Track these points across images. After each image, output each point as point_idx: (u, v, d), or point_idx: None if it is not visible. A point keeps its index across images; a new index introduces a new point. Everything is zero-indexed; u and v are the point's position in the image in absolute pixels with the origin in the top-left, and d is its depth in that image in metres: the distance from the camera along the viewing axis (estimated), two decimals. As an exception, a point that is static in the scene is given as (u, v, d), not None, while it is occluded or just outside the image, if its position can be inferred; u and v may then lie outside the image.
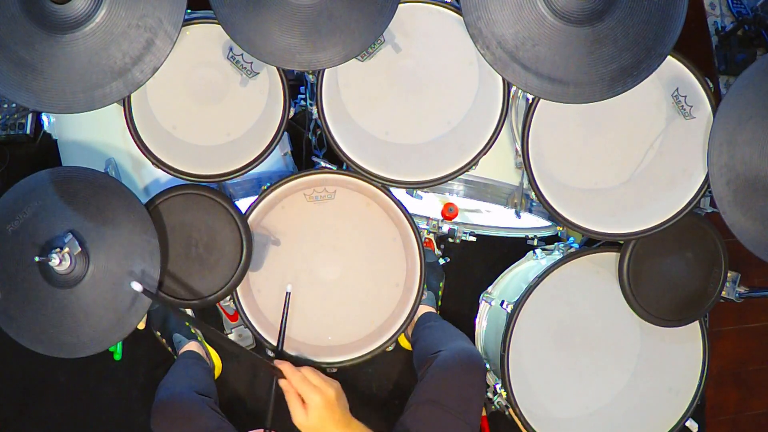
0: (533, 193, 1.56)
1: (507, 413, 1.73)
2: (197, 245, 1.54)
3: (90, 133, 1.62)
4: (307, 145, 1.82)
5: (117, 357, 2.01)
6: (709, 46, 2.27)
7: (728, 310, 2.19)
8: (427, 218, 1.88)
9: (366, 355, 1.64)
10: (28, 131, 2.07)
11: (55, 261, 1.31)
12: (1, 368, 2.03)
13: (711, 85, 1.52)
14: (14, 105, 2.07)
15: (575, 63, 1.38)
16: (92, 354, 1.39)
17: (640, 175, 1.62)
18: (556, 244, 1.81)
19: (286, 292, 1.49)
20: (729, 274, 1.66)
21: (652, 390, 1.69)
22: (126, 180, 1.61)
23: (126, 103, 1.45)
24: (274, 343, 1.61)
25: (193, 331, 2.00)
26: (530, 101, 1.49)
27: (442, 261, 2.11)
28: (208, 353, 2.00)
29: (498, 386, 1.70)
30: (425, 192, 1.67)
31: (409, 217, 1.61)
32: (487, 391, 1.86)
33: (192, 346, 1.95)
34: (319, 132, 1.62)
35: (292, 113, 1.54)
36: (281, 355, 1.49)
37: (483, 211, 1.94)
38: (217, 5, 1.36)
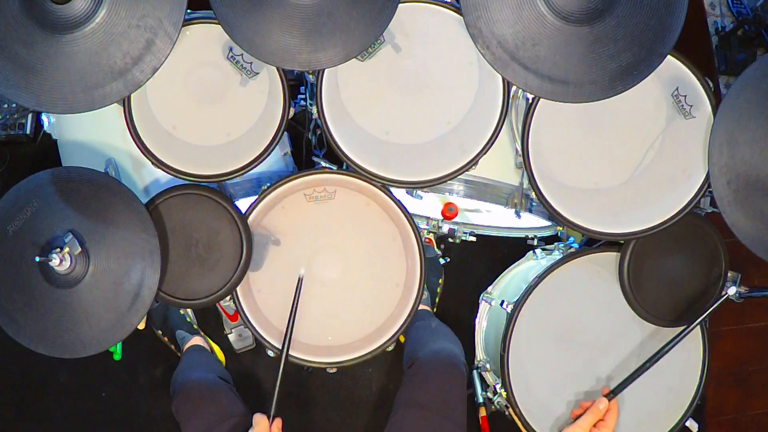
0: (533, 193, 1.56)
1: (507, 413, 1.73)
2: (197, 245, 1.54)
3: (90, 133, 1.62)
4: (307, 145, 1.82)
5: (117, 357, 2.01)
6: (709, 46, 2.27)
7: (728, 310, 2.18)
8: (427, 218, 1.88)
9: (366, 355, 1.64)
10: (28, 131, 2.08)
11: (55, 261, 1.31)
12: (1, 368, 2.03)
13: (711, 85, 1.52)
14: (14, 105, 2.07)
15: (575, 63, 1.38)
16: (92, 354, 1.39)
17: (640, 175, 1.62)
18: (556, 244, 1.81)
19: (299, 278, 1.49)
20: (729, 274, 1.66)
21: (652, 390, 1.69)
22: (126, 180, 1.61)
23: (126, 103, 1.45)
24: (274, 343, 1.62)
25: (195, 327, 2.01)
26: (530, 101, 1.49)
27: (442, 261, 2.11)
28: (212, 348, 2.01)
29: (498, 386, 1.70)
30: (425, 192, 1.67)
31: (409, 216, 1.61)
32: (486, 391, 1.86)
33: (197, 340, 1.96)
34: (319, 132, 1.62)
35: (292, 113, 1.54)
36: (289, 345, 1.50)
37: (483, 211, 1.94)
38: (217, 5, 1.36)
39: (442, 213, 1.80)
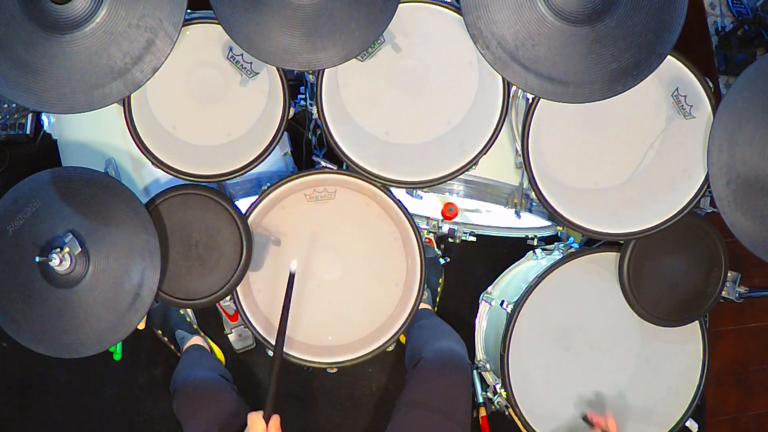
0: (533, 193, 1.56)
1: (507, 413, 1.73)
2: (197, 245, 1.54)
3: (90, 133, 1.62)
4: (307, 145, 1.82)
5: (117, 357, 2.01)
6: (709, 46, 2.26)
7: (728, 310, 2.19)
8: (427, 218, 1.88)
9: (366, 355, 1.64)
10: (28, 131, 2.07)
11: (55, 261, 1.31)
12: (1, 368, 2.03)
13: (711, 85, 1.52)
14: (14, 105, 2.07)
15: (575, 63, 1.38)
16: (92, 354, 1.39)
17: (640, 175, 1.62)
18: (556, 244, 1.81)
19: (290, 273, 1.39)
20: (729, 274, 1.66)
21: (652, 390, 1.69)
22: (126, 180, 1.61)
23: (126, 103, 1.45)
24: (274, 343, 1.61)
25: (195, 327, 2.01)
26: (530, 101, 1.49)
27: (442, 261, 2.11)
28: (211, 348, 2.01)
29: (498, 386, 1.70)
30: (425, 192, 1.67)
31: (409, 217, 1.61)
32: (486, 391, 1.86)
33: (196, 340, 1.96)
34: (319, 132, 1.62)
35: (292, 113, 1.54)
36: (282, 341, 1.41)
37: (483, 211, 1.94)
38: (217, 5, 1.36)
39: (442, 213, 1.80)
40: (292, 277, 1.41)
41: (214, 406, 1.61)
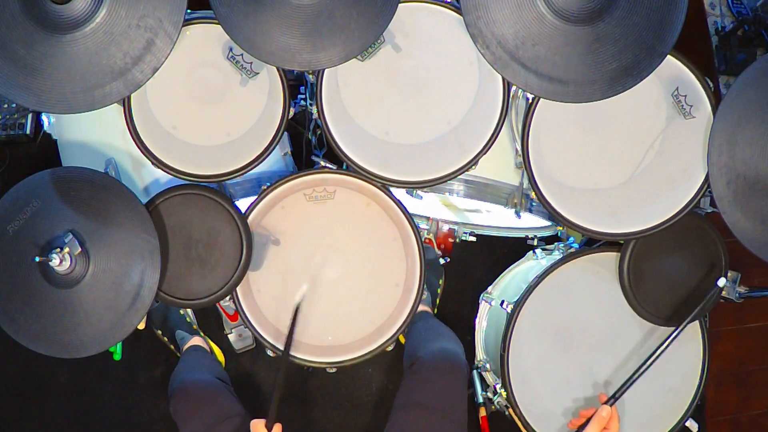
0: (533, 193, 1.56)
1: (507, 413, 1.73)
2: (197, 245, 1.54)
3: (90, 133, 1.62)
4: (307, 145, 1.82)
5: (117, 357, 2.01)
6: (709, 46, 2.27)
7: (728, 310, 2.19)
8: (427, 218, 1.88)
9: (366, 355, 1.64)
10: (28, 131, 2.08)
11: (55, 261, 1.31)
12: (1, 368, 2.03)
13: (711, 85, 1.52)
14: (14, 105, 2.07)
15: (575, 62, 1.38)
16: (92, 354, 1.39)
17: (640, 175, 1.62)
18: (556, 244, 1.81)
19: (296, 305, 1.47)
20: (729, 274, 1.66)
21: (652, 390, 1.69)
22: (126, 180, 1.61)
23: (126, 103, 1.45)
24: (274, 343, 1.62)
25: (195, 327, 2.01)
26: (530, 101, 1.50)
27: (442, 261, 2.11)
28: (211, 348, 2.01)
29: (498, 386, 1.70)
30: (425, 192, 1.67)
31: (409, 217, 1.61)
32: (486, 391, 1.86)
33: (196, 341, 1.96)
34: (319, 132, 1.62)
35: (292, 113, 1.54)
36: (288, 349, 1.48)
37: (483, 211, 1.94)
38: (217, 5, 1.36)
39: (438, 243, 1.88)
40: (297, 308, 1.46)
41: (210, 408, 1.61)
